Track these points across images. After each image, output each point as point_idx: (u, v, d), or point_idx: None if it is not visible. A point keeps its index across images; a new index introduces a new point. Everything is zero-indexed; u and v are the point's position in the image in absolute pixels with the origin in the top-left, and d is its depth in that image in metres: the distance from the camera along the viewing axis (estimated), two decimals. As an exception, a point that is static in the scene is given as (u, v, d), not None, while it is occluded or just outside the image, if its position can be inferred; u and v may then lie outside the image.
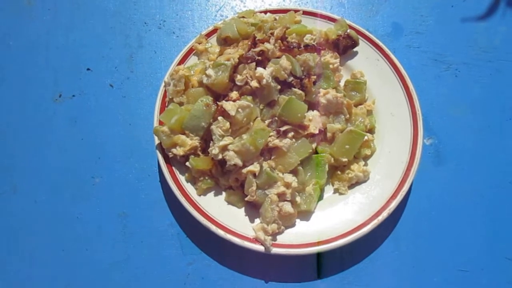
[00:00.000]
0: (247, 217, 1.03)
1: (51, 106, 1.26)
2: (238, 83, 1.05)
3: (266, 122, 1.04)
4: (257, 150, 0.99)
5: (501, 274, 1.03)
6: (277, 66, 1.04)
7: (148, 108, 1.23)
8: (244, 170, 0.99)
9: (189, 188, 1.05)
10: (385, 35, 1.34)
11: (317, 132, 1.05)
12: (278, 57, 1.08)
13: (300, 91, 1.06)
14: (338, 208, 1.04)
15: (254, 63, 1.06)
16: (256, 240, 0.98)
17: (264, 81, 1.02)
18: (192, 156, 1.04)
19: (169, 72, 1.15)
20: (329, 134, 1.07)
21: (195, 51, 1.20)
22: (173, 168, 1.07)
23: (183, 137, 1.04)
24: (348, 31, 1.19)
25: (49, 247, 1.08)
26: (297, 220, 1.03)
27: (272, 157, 1.03)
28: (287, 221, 1.01)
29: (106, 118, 1.24)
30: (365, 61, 1.19)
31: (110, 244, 1.08)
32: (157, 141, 1.08)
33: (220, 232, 0.98)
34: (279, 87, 1.05)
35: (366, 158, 1.10)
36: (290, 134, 1.03)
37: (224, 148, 1.00)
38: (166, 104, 1.13)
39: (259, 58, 1.07)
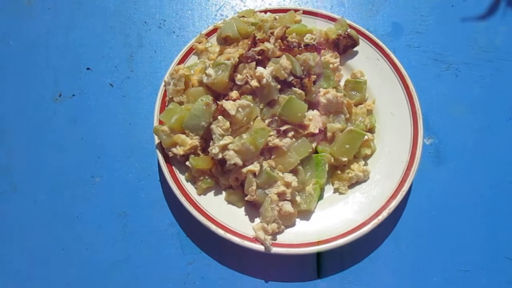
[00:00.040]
0: (247, 216, 1.03)
1: (51, 106, 1.26)
2: (238, 83, 1.05)
3: (266, 121, 1.04)
4: (257, 150, 0.99)
5: (501, 274, 1.03)
6: (277, 66, 1.04)
7: (148, 108, 1.23)
8: (244, 170, 0.99)
9: (189, 188, 1.05)
10: (385, 35, 1.34)
11: (317, 131, 1.05)
12: (278, 57, 1.08)
13: (300, 91, 1.05)
14: (338, 208, 1.04)
15: (254, 63, 1.06)
16: (256, 239, 0.98)
17: (264, 81, 1.02)
18: (192, 155, 1.04)
19: (169, 72, 1.15)
20: (329, 134, 1.07)
21: (195, 50, 1.20)
22: (173, 167, 1.07)
23: (183, 136, 1.04)
24: (348, 30, 1.19)
25: (49, 246, 1.08)
26: (297, 220, 1.03)
27: (272, 157, 1.03)
28: (287, 221, 1.01)
29: (106, 118, 1.24)
30: (365, 61, 1.19)
31: (110, 243, 1.08)
32: (157, 141, 1.08)
33: (220, 232, 0.98)
34: (279, 86, 1.05)
35: (366, 157, 1.10)
36: (290, 134, 1.03)
37: (224, 148, 1.00)
38: (166, 104, 1.13)
39: (259, 57, 1.07)
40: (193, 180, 1.06)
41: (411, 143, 1.07)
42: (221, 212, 1.03)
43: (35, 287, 1.05)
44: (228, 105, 1.00)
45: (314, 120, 1.06)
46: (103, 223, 1.10)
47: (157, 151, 1.07)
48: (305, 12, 1.24)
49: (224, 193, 1.06)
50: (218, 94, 1.08)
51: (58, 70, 1.31)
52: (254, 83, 1.03)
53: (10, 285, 1.05)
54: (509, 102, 1.23)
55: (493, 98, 1.23)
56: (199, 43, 1.20)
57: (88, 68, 1.31)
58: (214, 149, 1.00)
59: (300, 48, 1.11)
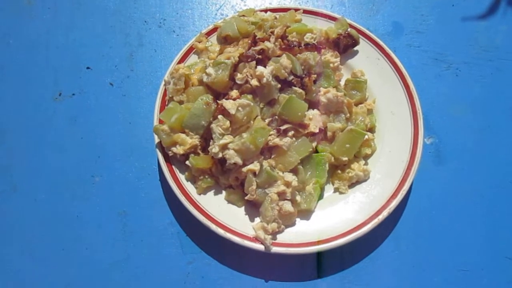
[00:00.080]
0: (247, 216, 1.03)
1: (51, 105, 1.26)
2: (238, 82, 1.05)
3: (266, 121, 1.04)
4: (257, 149, 0.99)
5: (502, 274, 1.03)
6: (277, 65, 1.04)
7: (148, 107, 1.23)
8: (244, 169, 0.99)
9: (189, 187, 1.05)
10: (385, 34, 1.34)
11: (317, 131, 1.05)
12: (279, 56, 1.08)
13: (300, 90, 1.05)
14: (338, 207, 1.04)
15: (254, 62, 1.06)
16: (256, 239, 0.98)
17: (265, 80, 1.02)
18: (192, 154, 1.04)
19: (169, 71, 1.14)
20: (329, 133, 1.07)
21: (195, 49, 1.20)
22: (173, 167, 1.06)
23: (183, 135, 1.04)
24: (349, 30, 1.19)
25: (49, 246, 1.08)
26: (297, 219, 1.02)
27: (272, 156, 1.03)
28: (287, 220, 1.01)
29: (106, 117, 1.24)
30: (366, 60, 1.19)
31: (110, 243, 1.08)
32: (157, 140, 1.08)
33: (220, 231, 0.98)
34: (279, 85, 1.05)
35: (366, 157, 1.10)
36: (290, 133, 1.03)
37: (224, 147, 1.00)
38: (166, 103, 1.13)
39: (260, 56, 1.07)
40: (193, 180, 1.06)
41: (412, 143, 1.07)
42: (221, 211, 1.02)
43: (35, 287, 1.05)
44: (228, 104, 1.00)
45: (314, 119, 1.06)
46: (103, 222, 1.10)
47: (157, 150, 1.07)
48: (306, 11, 1.23)
49: (224, 192, 1.06)
50: (218, 93, 1.07)
51: (58, 70, 1.31)
52: (254, 82, 1.03)
53: (10, 285, 1.05)
54: (510, 102, 1.23)
55: (493, 97, 1.23)
56: (199, 42, 1.20)
57: (88, 68, 1.31)
58: (214, 148, 1.00)
59: (300, 48, 1.10)
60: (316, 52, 1.10)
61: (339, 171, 1.07)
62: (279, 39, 1.12)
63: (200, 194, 1.05)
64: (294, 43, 1.11)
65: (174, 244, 1.07)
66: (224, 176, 1.05)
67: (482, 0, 1.39)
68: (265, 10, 1.24)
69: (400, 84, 1.13)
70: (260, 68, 1.03)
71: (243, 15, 1.21)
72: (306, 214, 1.03)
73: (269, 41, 1.11)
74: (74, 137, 1.21)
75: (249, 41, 1.09)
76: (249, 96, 1.04)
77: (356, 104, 1.13)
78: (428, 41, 1.32)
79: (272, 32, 1.14)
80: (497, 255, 1.05)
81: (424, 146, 1.08)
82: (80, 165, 1.17)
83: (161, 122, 1.08)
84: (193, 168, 1.04)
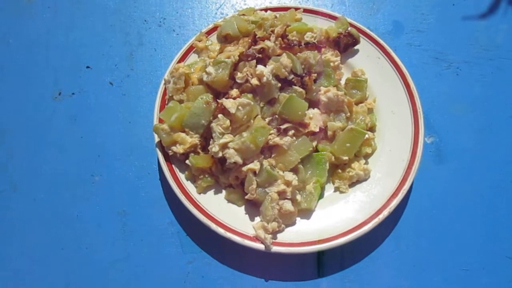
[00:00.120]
0: (247, 215, 1.03)
1: (51, 104, 1.26)
2: (239, 81, 1.05)
3: (267, 120, 1.04)
4: (257, 148, 0.99)
5: (502, 273, 1.03)
6: (277, 64, 1.03)
7: (148, 106, 1.22)
8: (244, 168, 0.99)
9: (189, 186, 1.05)
10: (386, 33, 1.34)
11: (317, 130, 1.05)
12: (279, 55, 1.08)
13: (300, 89, 1.05)
14: (338, 207, 1.03)
15: (254, 61, 1.05)
16: (256, 238, 0.98)
17: (265, 79, 1.01)
18: (192, 154, 1.04)
19: (169, 70, 1.14)
20: (329, 132, 1.07)
21: (195, 48, 1.19)
22: (173, 166, 1.06)
23: (183, 135, 1.04)
24: (349, 29, 1.19)
25: (48, 245, 1.08)
26: (298, 219, 1.02)
27: (273, 155, 1.03)
28: (287, 220, 1.00)
29: (106, 116, 1.24)
30: (366, 59, 1.19)
31: (110, 242, 1.08)
32: (157, 139, 1.08)
33: (220, 231, 0.98)
34: (279, 85, 1.05)
35: (366, 156, 1.10)
36: (291, 132, 1.03)
37: (224, 146, 1.00)
38: (166, 102, 1.12)
39: (260, 55, 1.06)
40: (193, 179, 1.06)
41: (412, 142, 1.07)
42: (221, 210, 1.02)
43: (35, 286, 1.05)
44: (228, 103, 1.00)
45: (315, 118, 1.06)
46: (102, 222, 1.10)
47: (157, 149, 1.07)
48: (306, 11, 1.23)
49: (224, 191, 1.06)
50: (218, 92, 1.07)
51: (58, 69, 1.31)
52: (254, 81, 1.03)
53: (10, 284, 1.05)
54: (510, 101, 1.23)
55: (494, 96, 1.23)
56: (199, 41, 1.20)
57: (88, 67, 1.31)
58: (214, 148, 1.00)
59: (300, 47, 1.10)
60: (316, 51, 1.10)
61: (339, 170, 1.07)
62: (279, 38, 1.12)
63: (200, 194, 1.04)
64: (295, 42, 1.10)
65: (174, 243, 1.07)
66: (224, 175, 1.04)
67: (483, -1, 1.39)
68: (265, 9, 1.24)
69: (401, 83, 1.13)
70: (260, 67, 1.03)
71: (243, 14, 1.21)
72: (306, 213, 1.03)
73: (269, 40, 1.11)
74: (74, 137, 1.21)
75: (249, 40, 1.09)
76: (249, 95, 1.04)
77: (357, 103, 1.13)
78: (428, 40, 1.32)
79: (272, 31, 1.14)
80: (497, 254, 1.05)
81: (424, 145, 1.08)
82: (80, 165, 1.17)
83: (161, 121, 1.08)
84: (193, 167, 1.03)
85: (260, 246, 0.97)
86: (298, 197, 1.01)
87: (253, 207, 1.03)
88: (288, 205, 0.98)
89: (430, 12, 1.37)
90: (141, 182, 1.15)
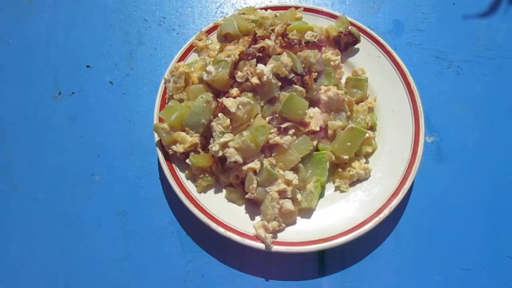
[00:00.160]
0: (247, 214, 1.03)
1: (51, 104, 1.25)
2: (239, 80, 1.05)
3: (267, 119, 1.04)
4: (258, 147, 0.98)
5: (503, 273, 1.03)
6: (278, 63, 1.03)
7: (148, 105, 1.22)
8: (245, 167, 0.99)
9: (189, 186, 1.04)
10: (386, 32, 1.33)
11: (318, 129, 1.04)
12: (279, 54, 1.07)
13: (301, 88, 1.05)
14: (339, 206, 1.03)
15: (254, 60, 1.05)
16: (256, 237, 0.98)
17: (265, 78, 1.01)
18: (192, 153, 1.04)
19: (169, 69, 1.14)
20: (330, 131, 1.07)
21: (195, 48, 1.19)
22: (173, 165, 1.06)
23: (183, 134, 1.04)
24: (349, 28, 1.18)
25: (48, 245, 1.08)
26: (298, 218, 1.02)
27: (273, 154, 1.03)
28: (287, 219, 1.00)
29: (105, 116, 1.23)
30: (367, 58, 1.19)
31: (110, 242, 1.08)
32: (157, 138, 1.07)
33: (220, 230, 0.98)
34: (279, 83, 1.05)
35: (367, 155, 1.10)
36: (291, 131, 1.03)
37: (224, 145, 1.00)
38: (166, 101, 1.12)
39: (260, 54, 1.06)
40: (193, 178, 1.06)
41: (413, 141, 1.06)
42: (221, 210, 1.02)
43: (35, 286, 1.05)
44: (228, 102, 1.00)
45: (315, 117, 1.05)
46: (103, 221, 1.10)
47: (157, 149, 1.07)
48: (306, 10, 1.23)
49: (224, 191, 1.06)
50: (218, 91, 1.07)
51: (58, 68, 1.31)
52: (254, 80, 1.02)
53: (10, 284, 1.05)
54: (511, 100, 1.22)
55: (494, 96, 1.23)
56: (199, 40, 1.20)
57: (87, 66, 1.31)
58: (214, 147, 1.00)
59: (301, 45, 1.10)
60: (316, 50, 1.09)
61: (340, 170, 1.07)
62: (280, 37, 1.12)
63: (200, 193, 1.04)
64: (295, 41, 1.10)
65: (174, 242, 1.07)
66: (225, 175, 1.04)
67: (483, -2, 1.39)
68: (266, 8, 1.24)
69: (401, 82, 1.13)
70: (260, 66, 1.03)
71: (244, 13, 1.21)
72: (306, 212, 1.03)
73: (270, 39, 1.11)
74: (74, 136, 1.21)
75: (250, 39, 1.09)
76: (250, 94, 1.04)
77: (357, 102, 1.13)
78: (429, 39, 1.32)
79: (273, 30, 1.13)
80: (498, 254, 1.04)
81: (425, 145, 1.08)
82: (80, 164, 1.17)
83: (161, 120, 1.08)
84: (193, 166, 1.03)
85: (260, 245, 0.96)
86: (299, 196, 1.01)
87: (254, 206, 1.03)
88: (288, 204, 0.98)
89: (430, 11, 1.37)
90: (141, 181, 1.14)
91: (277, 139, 1.00)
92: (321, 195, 1.06)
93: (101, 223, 1.10)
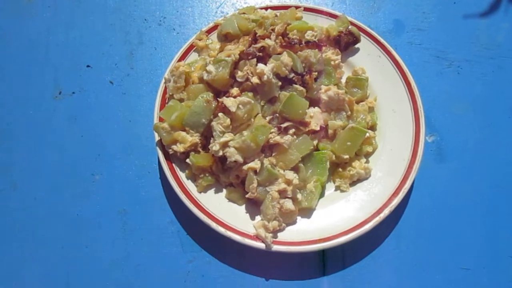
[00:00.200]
0: (247, 214, 1.03)
1: (51, 103, 1.25)
2: (239, 79, 1.05)
3: (267, 118, 1.04)
4: (258, 147, 0.98)
5: (503, 273, 1.02)
6: (278, 62, 1.03)
7: (148, 105, 1.22)
8: (245, 167, 0.99)
9: (190, 185, 1.04)
10: (386, 32, 1.33)
11: (318, 129, 1.04)
12: (279, 54, 1.07)
13: (301, 88, 1.05)
14: (339, 206, 1.03)
15: (255, 59, 1.05)
16: (256, 237, 0.97)
17: (265, 77, 1.01)
18: (193, 152, 1.04)
19: (169, 69, 1.14)
20: (330, 131, 1.07)
21: (196, 47, 1.19)
22: (173, 165, 1.06)
23: (183, 133, 1.03)
24: (350, 27, 1.18)
25: (48, 244, 1.08)
26: (298, 218, 1.02)
27: (273, 154, 1.03)
28: (288, 218, 1.00)
29: (106, 115, 1.23)
30: (367, 58, 1.19)
31: (110, 241, 1.07)
32: (157, 138, 1.07)
33: (221, 229, 0.98)
34: (280, 83, 1.05)
35: (367, 155, 1.10)
36: (291, 131, 1.03)
37: (224, 145, 1.00)
38: (166, 101, 1.12)
39: (260, 54, 1.06)
40: (193, 178, 1.06)
41: (413, 141, 1.06)
42: (222, 209, 1.02)
43: (35, 286, 1.04)
44: (228, 102, 1.00)
45: (315, 117, 1.05)
46: (103, 221, 1.10)
47: (157, 148, 1.07)
48: (306, 9, 1.23)
49: (224, 190, 1.06)
50: (218, 91, 1.07)
51: (58, 68, 1.31)
52: (255, 80, 1.02)
53: (10, 284, 1.05)
54: (511, 100, 1.22)
55: (495, 95, 1.23)
56: (200, 40, 1.20)
57: (88, 66, 1.31)
58: (214, 146, 1.00)
59: (301, 45, 1.10)
60: (317, 50, 1.09)
61: (340, 169, 1.07)
62: (280, 37, 1.12)
63: (200, 192, 1.04)
64: (295, 40, 1.10)
65: (174, 242, 1.07)
66: (225, 174, 1.04)
67: (484, -3, 1.38)
68: (266, 8, 1.24)
69: (402, 81, 1.13)
70: (260, 66, 1.03)
71: (244, 13, 1.21)
72: (307, 212, 1.03)
73: (270, 38, 1.11)
74: (74, 136, 1.21)
75: (250, 39, 1.09)
76: (250, 94, 1.04)
77: (357, 102, 1.13)
78: (429, 39, 1.32)
79: (273, 30, 1.13)
80: (498, 254, 1.04)
81: (425, 144, 1.08)
82: (80, 164, 1.17)
83: (161, 120, 1.08)
84: (193, 166, 1.03)
85: (260, 245, 0.96)
86: (299, 196, 1.01)
87: (254, 206, 1.03)
88: (288, 204, 0.98)
89: (431, 11, 1.37)
90: (141, 181, 1.14)
91: (278, 138, 1.00)
92: (322, 195, 1.05)
93: (101, 223, 1.10)
